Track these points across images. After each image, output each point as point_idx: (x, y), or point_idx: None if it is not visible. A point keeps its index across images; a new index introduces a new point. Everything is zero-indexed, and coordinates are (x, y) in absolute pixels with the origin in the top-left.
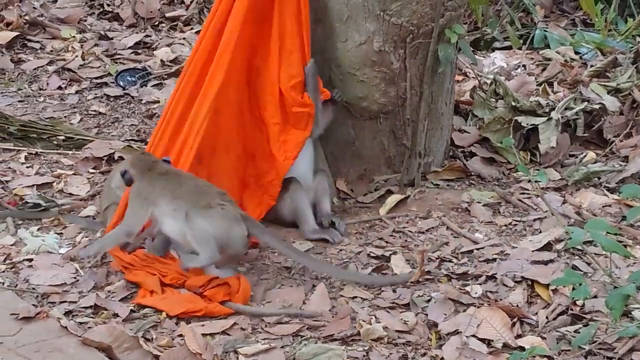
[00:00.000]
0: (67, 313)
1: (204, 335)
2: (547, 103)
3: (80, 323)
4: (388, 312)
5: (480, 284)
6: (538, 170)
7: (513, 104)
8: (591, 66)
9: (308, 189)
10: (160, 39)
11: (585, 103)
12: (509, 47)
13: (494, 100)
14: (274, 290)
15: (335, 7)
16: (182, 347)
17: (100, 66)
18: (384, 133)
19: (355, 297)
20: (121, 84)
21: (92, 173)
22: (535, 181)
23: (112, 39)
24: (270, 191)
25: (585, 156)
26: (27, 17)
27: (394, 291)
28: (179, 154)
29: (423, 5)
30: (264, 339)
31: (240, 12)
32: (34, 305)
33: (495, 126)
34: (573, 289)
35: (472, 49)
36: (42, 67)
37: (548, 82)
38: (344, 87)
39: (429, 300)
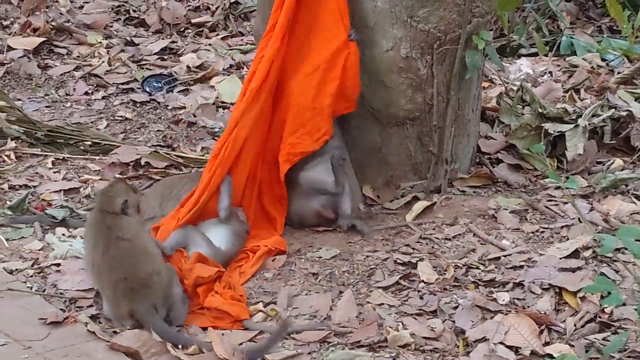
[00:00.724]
0: (95, 318)
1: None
2: (574, 110)
3: (108, 328)
4: (415, 318)
5: (507, 291)
6: (567, 177)
7: (540, 110)
8: (618, 73)
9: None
10: (186, 45)
11: (613, 110)
12: (535, 54)
13: (520, 107)
14: (300, 296)
15: (362, 14)
16: (209, 353)
17: (126, 72)
18: (410, 139)
19: (382, 303)
20: (147, 89)
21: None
22: (566, 188)
23: (138, 44)
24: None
25: (612, 163)
26: (53, 23)
27: (421, 298)
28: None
29: (450, 12)
30: (290, 346)
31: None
32: (61, 310)
33: (522, 133)
34: (602, 296)
35: (498, 55)
36: (68, 72)
37: (575, 89)
38: (370, 93)
39: (456, 307)
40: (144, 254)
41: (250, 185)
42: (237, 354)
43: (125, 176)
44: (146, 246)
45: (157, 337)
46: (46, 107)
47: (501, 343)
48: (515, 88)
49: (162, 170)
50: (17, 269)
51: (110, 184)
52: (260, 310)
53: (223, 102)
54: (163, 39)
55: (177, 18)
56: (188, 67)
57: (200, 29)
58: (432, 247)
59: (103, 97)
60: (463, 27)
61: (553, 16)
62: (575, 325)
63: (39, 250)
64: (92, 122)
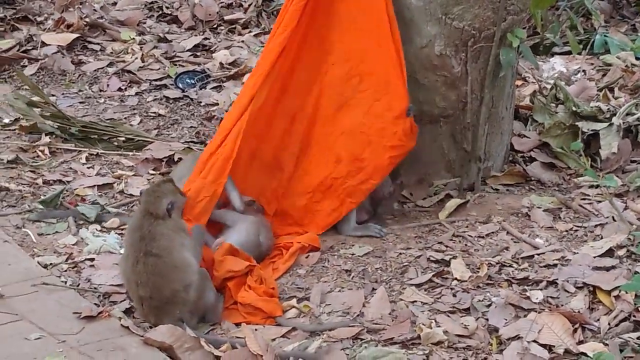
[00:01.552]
0: (128, 312)
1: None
2: (608, 108)
3: (141, 322)
4: (448, 316)
5: (541, 290)
6: (600, 176)
7: (574, 109)
8: None
9: None
10: (219, 41)
11: None
12: (569, 52)
13: (554, 105)
14: (333, 293)
15: (397, 10)
16: (243, 349)
17: (159, 68)
18: (444, 137)
19: (415, 301)
20: (180, 86)
21: (152, 174)
22: (605, 186)
23: (171, 41)
24: (354, 195)
25: None
26: (87, 19)
27: (454, 295)
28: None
29: (485, 9)
30: (324, 342)
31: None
32: (95, 304)
33: (555, 131)
34: (636, 295)
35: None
36: (102, 68)
37: (609, 87)
38: None
39: (489, 305)
40: (173, 270)
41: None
42: (270, 350)
43: (158, 172)
44: (177, 260)
45: (191, 332)
46: (80, 102)
47: (535, 341)
48: (548, 86)
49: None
50: (51, 264)
51: (157, 183)
52: (294, 306)
53: None
54: (196, 35)
55: (209, 15)
56: (221, 63)
57: (233, 26)
58: (465, 245)
59: (136, 94)
60: (498, 24)
61: (587, 14)
62: (609, 324)
63: (73, 245)
64: (125, 118)
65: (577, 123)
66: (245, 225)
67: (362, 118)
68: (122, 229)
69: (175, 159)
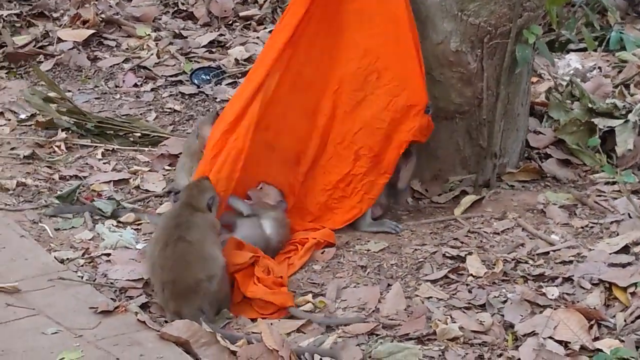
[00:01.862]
0: (145, 307)
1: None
2: (624, 105)
3: (158, 317)
4: (464, 312)
5: (556, 286)
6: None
7: (589, 105)
8: None
9: None
10: (234, 38)
11: None
12: (584, 49)
13: (569, 102)
14: (349, 288)
15: (413, 7)
16: (259, 344)
17: (175, 64)
18: (459, 133)
19: (431, 297)
20: (196, 82)
21: (167, 170)
22: (623, 182)
23: (186, 37)
24: (372, 190)
25: None
26: (103, 15)
27: (470, 291)
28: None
29: (501, 6)
30: (339, 338)
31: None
32: (112, 299)
33: (571, 128)
34: None
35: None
36: (117, 64)
37: (624, 84)
38: None
39: (505, 301)
40: (200, 260)
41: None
42: (286, 346)
43: (174, 168)
44: (205, 251)
45: (207, 327)
46: (96, 98)
47: (550, 337)
48: (564, 83)
49: None
50: (68, 259)
51: (198, 179)
52: (309, 302)
53: None
54: (211, 32)
55: (225, 11)
56: (236, 60)
57: (248, 22)
58: (481, 241)
59: (152, 89)
60: (514, 21)
61: (602, 11)
62: (625, 320)
63: (90, 240)
64: (141, 114)
65: (592, 120)
66: (248, 219)
67: (380, 114)
68: (138, 224)
69: None
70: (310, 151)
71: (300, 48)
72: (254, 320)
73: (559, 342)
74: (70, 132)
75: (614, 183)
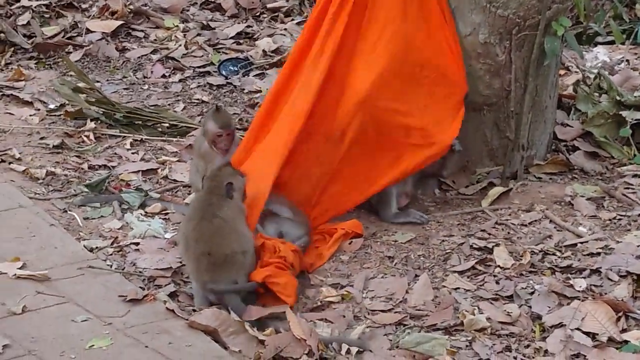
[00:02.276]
0: (173, 296)
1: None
2: None
3: (186, 306)
4: (491, 303)
5: (584, 278)
6: None
7: (617, 98)
8: None
9: None
10: (262, 29)
11: None
12: (612, 42)
13: (597, 94)
14: (376, 279)
15: None
16: (287, 333)
17: (202, 55)
18: (487, 125)
19: (458, 288)
20: (223, 73)
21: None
22: None
23: (214, 28)
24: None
25: None
26: (131, 7)
27: (497, 282)
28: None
29: None
30: (367, 327)
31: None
32: (141, 287)
33: (599, 120)
34: None
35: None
36: (146, 55)
37: None
38: None
39: (532, 293)
40: (234, 233)
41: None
42: (313, 335)
43: None
44: (238, 229)
45: (236, 316)
46: (124, 89)
47: (578, 329)
48: (591, 76)
49: None
50: (97, 247)
51: (217, 167)
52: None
53: None
54: (239, 23)
55: (252, 2)
56: (264, 51)
57: (276, 14)
58: (508, 233)
59: (180, 80)
60: (542, 13)
61: (630, 4)
62: None
63: (118, 229)
64: (169, 105)
65: (620, 112)
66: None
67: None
68: (166, 214)
69: None
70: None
71: (334, 43)
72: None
73: (587, 333)
74: (99, 122)
75: None
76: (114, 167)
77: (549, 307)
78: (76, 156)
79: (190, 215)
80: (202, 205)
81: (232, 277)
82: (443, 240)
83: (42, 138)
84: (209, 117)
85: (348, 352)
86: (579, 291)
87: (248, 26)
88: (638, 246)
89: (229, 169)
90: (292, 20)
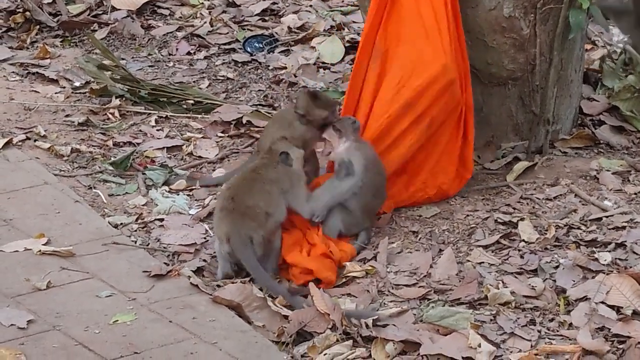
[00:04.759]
0: (198, 271)
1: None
2: None
3: (211, 281)
4: (515, 277)
5: (609, 252)
6: None
7: None
8: None
9: None
10: (287, 6)
11: None
12: None
13: (622, 70)
14: (402, 254)
15: None
16: (310, 308)
17: (228, 32)
18: (512, 100)
19: (482, 262)
20: (249, 50)
21: (220, 137)
22: None
23: (239, 5)
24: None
25: None
26: None
27: (522, 257)
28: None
29: None
30: (390, 302)
31: None
32: (165, 263)
33: (625, 95)
34: None
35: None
36: (171, 33)
37: None
38: (472, 53)
39: (557, 267)
40: (265, 193)
41: None
42: (337, 309)
43: (227, 134)
44: (272, 190)
45: (259, 292)
46: (149, 66)
47: (603, 302)
48: (618, 51)
49: (263, 129)
50: (121, 224)
51: (275, 140)
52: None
53: (324, 63)
54: (264, 0)
55: None
56: (289, 28)
57: None
58: (533, 207)
59: (205, 57)
60: None
61: None
62: None
63: (143, 205)
64: (194, 82)
65: None
66: None
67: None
68: (191, 190)
69: (244, 122)
70: None
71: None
72: (305, 284)
73: (611, 307)
74: (124, 99)
75: None
76: (138, 144)
77: (574, 281)
78: (101, 133)
79: (235, 173)
80: (251, 166)
81: (248, 232)
82: (468, 215)
83: (67, 115)
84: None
85: (372, 325)
86: (603, 265)
87: (273, 3)
88: None
89: (286, 141)
90: None
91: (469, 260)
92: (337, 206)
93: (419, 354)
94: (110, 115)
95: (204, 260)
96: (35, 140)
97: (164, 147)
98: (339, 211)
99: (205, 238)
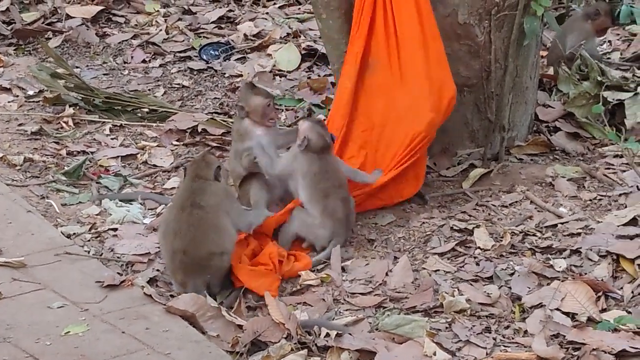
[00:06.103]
0: (151, 281)
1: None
2: (634, 78)
3: (164, 291)
4: (471, 284)
5: (564, 258)
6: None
7: (599, 79)
8: None
9: None
10: (244, 13)
11: None
12: None
13: (578, 75)
14: (357, 261)
15: None
16: (265, 317)
17: (183, 40)
18: (467, 107)
19: (438, 269)
20: (204, 57)
21: (175, 145)
22: (625, 148)
23: (195, 13)
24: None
25: None
26: None
27: (477, 264)
28: None
29: None
30: (346, 310)
31: None
32: (118, 273)
33: (580, 101)
34: None
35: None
36: (126, 40)
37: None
38: None
39: (512, 274)
40: (214, 230)
41: None
42: (292, 319)
43: (182, 143)
44: (219, 222)
45: (212, 302)
46: (104, 74)
47: (557, 309)
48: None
49: (219, 137)
50: (74, 233)
51: (202, 154)
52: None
53: (280, 70)
54: (220, 7)
55: None
56: (245, 35)
57: None
58: (489, 214)
59: (160, 65)
60: None
61: None
62: (632, 292)
63: (97, 215)
64: (149, 90)
65: (602, 93)
66: None
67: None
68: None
69: (199, 130)
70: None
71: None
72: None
73: (566, 313)
74: (77, 107)
75: (622, 156)
76: (92, 152)
77: (529, 288)
78: (54, 142)
79: (173, 205)
80: (185, 190)
81: (205, 280)
82: (424, 223)
83: (20, 124)
84: (248, 93)
85: (327, 335)
86: (558, 271)
87: (230, 10)
88: (618, 226)
89: (213, 155)
90: (274, 4)
91: (424, 268)
92: (295, 210)
93: None
94: (63, 124)
95: (158, 270)
96: None
97: (118, 156)
98: (296, 215)
99: (159, 247)
